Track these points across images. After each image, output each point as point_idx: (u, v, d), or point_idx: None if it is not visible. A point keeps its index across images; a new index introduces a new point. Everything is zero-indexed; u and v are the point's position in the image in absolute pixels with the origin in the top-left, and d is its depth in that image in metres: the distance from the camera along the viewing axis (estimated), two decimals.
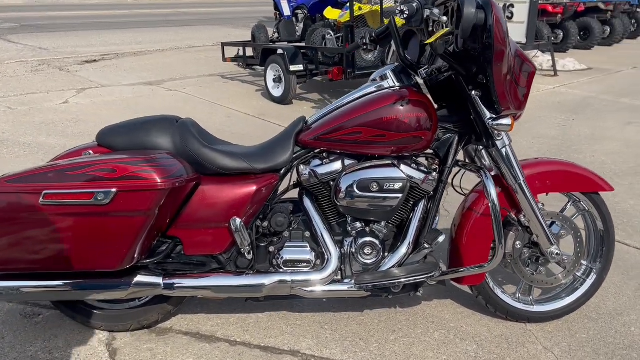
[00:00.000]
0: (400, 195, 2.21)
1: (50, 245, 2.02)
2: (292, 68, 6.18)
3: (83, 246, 2.02)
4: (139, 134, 2.23)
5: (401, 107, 2.16)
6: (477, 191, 2.44)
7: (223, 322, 2.54)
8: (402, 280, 2.21)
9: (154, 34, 13.80)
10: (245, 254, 2.26)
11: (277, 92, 6.60)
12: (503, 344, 2.39)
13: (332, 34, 6.43)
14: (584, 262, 2.54)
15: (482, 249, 2.37)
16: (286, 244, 2.30)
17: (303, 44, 7.10)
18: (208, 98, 6.96)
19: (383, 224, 2.32)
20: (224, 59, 7.93)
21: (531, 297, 2.54)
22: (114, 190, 1.96)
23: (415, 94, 2.20)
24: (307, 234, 2.32)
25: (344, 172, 2.25)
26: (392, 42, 2.62)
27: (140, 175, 1.98)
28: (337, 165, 2.28)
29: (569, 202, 2.53)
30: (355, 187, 2.21)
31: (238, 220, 2.17)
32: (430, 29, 2.11)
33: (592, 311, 2.62)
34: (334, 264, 2.24)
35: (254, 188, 2.22)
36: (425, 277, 2.22)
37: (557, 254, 2.36)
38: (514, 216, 2.37)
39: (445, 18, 1.90)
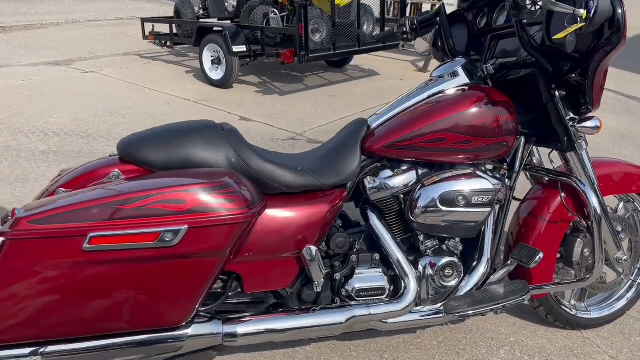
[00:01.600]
0: (489, 209, 1.98)
1: (95, 304, 1.57)
2: (235, 49, 5.69)
3: (140, 301, 1.59)
4: (181, 147, 1.79)
5: (488, 110, 1.93)
6: (536, 197, 2.28)
7: (268, 359, 2.19)
8: (498, 306, 1.99)
9: (39, 5, 12.35)
10: (315, 286, 1.92)
11: (216, 74, 6.07)
12: (571, 357, 2.27)
13: (277, 12, 6.00)
14: (638, 265, 2.48)
15: (550, 260, 2.21)
16: (357, 271, 1.99)
17: (238, 22, 6.58)
18: (135, 81, 6.26)
19: (458, 240, 2.08)
20: (145, 37, 7.20)
21: (585, 304, 2.44)
22: (184, 227, 1.53)
23: (499, 94, 1.98)
24: (377, 256, 2.02)
25: (420, 185, 1.98)
26: (435, 32, 2.38)
27: (214, 206, 1.57)
28: (411, 177, 2.00)
29: (620, 202, 2.44)
30: (438, 201, 1.94)
31: (314, 249, 1.83)
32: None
33: (632, 310, 2.58)
34: (413, 290, 1.97)
35: (325, 208, 1.88)
36: (519, 300, 2.02)
37: (624, 259, 2.27)
38: (583, 222, 2.23)
39: (582, 11, 1.67)
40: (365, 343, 2.30)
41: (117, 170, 1.79)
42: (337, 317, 1.89)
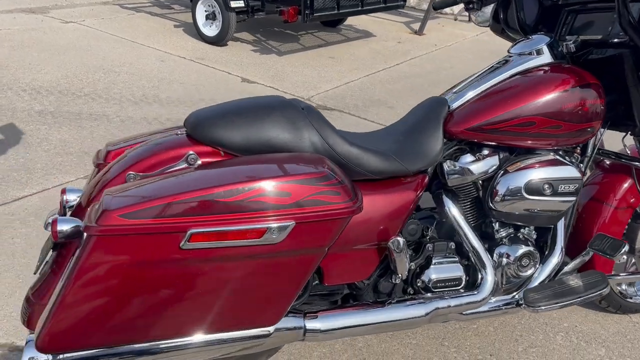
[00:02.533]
0: (574, 198, 1.90)
1: (185, 305, 1.42)
2: (233, 4, 5.39)
3: (235, 301, 1.45)
4: (262, 128, 1.63)
5: (581, 93, 1.84)
6: (598, 182, 2.22)
7: (329, 350, 2.09)
8: (580, 299, 1.93)
9: None
10: (394, 278, 1.82)
11: (210, 31, 5.76)
12: (626, 344, 2.26)
13: None
14: None
15: None
16: (433, 260, 1.89)
17: None
18: (121, 34, 5.88)
19: (532, 227, 2.00)
20: None
21: (635, 288, 2.43)
22: (291, 223, 1.39)
23: (590, 76, 1.88)
24: (452, 244, 1.93)
25: (502, 171, 1.88)
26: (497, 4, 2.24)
27: (321, 199, 1.42)
28: (493, 162, 1.90)
29: None
30: (523, 189, 1.85)
31: (401, 240, 1.72)
32: None
33: None
34: (491, 281, 1.89)
35: (411, 195, 1.77)
36: (599, 293, 1.97)
37: None
38: None
39: None
40: (422, 330, 2.23)
41: (192, 151, 1.62)
42: (419, 310, 1.80)
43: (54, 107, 3.93)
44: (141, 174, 1.60)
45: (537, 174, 1.86)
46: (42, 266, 1.68)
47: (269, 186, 1.39)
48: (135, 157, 1.64)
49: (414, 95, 4.91)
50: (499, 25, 2.27)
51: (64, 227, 1.52)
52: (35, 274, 1.77)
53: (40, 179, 3.05)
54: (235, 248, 1.37)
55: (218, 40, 5.73)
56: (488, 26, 2.37)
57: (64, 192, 1.78)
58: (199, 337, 1.50)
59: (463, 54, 6.31)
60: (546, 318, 2.36)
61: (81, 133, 3.61)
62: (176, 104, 4.24)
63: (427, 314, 1.81)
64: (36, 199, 2.86)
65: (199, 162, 1.60)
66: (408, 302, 1.82)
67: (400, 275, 1.78)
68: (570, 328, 2.32)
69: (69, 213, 1.72)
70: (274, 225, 1.37)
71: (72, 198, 1.78)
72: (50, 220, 1.64)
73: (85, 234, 1.34)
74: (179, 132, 1.73)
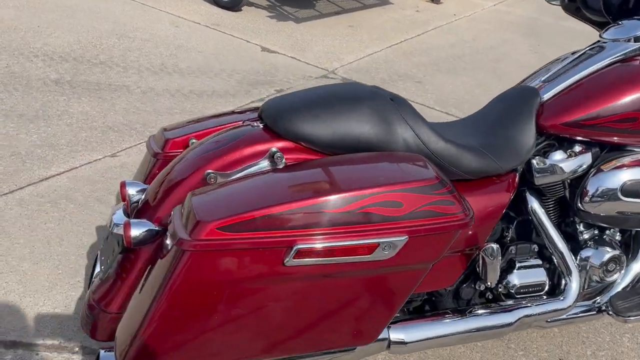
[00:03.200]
0: None
1: (280, 324, 1.30)
2: None
3: (334, 319, 1.32)
4: (350, 123, 1.49)
5: None
6: None
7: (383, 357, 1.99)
8: None
9: None
10: (478, 284, 1.71)
11: None
12: None
13: None
14: None
15: None
16: (517, 264, 1.77)
17: None
18: None
19: (617, 229, 1.89)
20: None
21: None
22: (404, 237, 1.25)
23: None
24: (535, 247, 1.81)
25: (595, 169, 1.75)
26: None
27: (435, 209, 1.29)
28: (585, 159, 1.77)
29: None
30: (618, 190, 1.72)
31: (495, 247, 1.60)
32: None
33: None
34: (576, 286, 1.79)
35: (504, 197, 1.65)
36: None
37: None
38: None
39: None
40: None
41: (275, 148, 1.46)
42: (506, 319, 1.70)
43: (70, 75, 3.71)
44: (221, 172, 1.45)
45: (636, 174, 1.73)
46: (106, 269, 1.53)
47: (380, 195, 1.25)
48: (211, 152, 1.49)
49: (440, 69, 4.73)
50: (574, 4, 2.11)
51: (137, 231, 1.38)
52: (93, 278, 1.64)
53: (66, 156, 2.86)
54: (341, 264, 1.23)
55: (233, 5, 5.46)
56: (559, 4, 2.20)
57: (123, 185, 1.63)
58: (290, 354, 1.37)
59: (483, 25, 6.11)
60: (609, 318, 2.27)
61: (102, 105, 3.40)
62: (197, 75, 4.02)
63: (514, 323, 1.71)
64: (65, 180, 2.68)
65: (284, 161, 1.45)
66: (494, 310, 1.71)
67: (489, 283, 1.67)
68: (635, 329, 2.24)
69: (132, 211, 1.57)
70: (386, 240, 1.23)
71: (133, 192, 1.63)
72: (116, 221, 1.50)
73: (175, 247, 1.19)
74: (255, 124, 1.56)
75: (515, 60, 5.36)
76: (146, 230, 1.40)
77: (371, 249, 1.22)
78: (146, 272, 1.39)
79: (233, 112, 1.94)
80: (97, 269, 1.70)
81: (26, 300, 2.01)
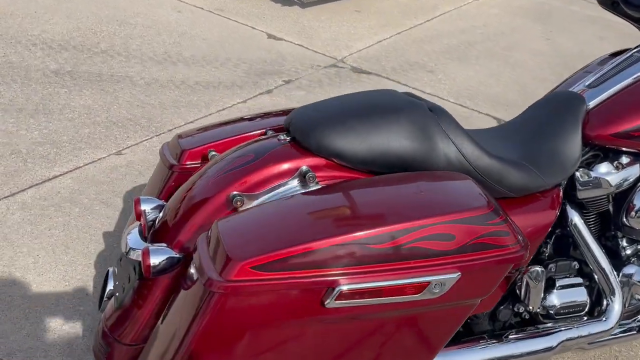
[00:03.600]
0: None
1: None
2: None
3: (375, 358, 1.20)
4: (388, 138, 1.37)
5: None
6: None
7: None
8: None
9: None
10: (517, 307, 1.60)
11: None
12: None
13: None
14: None
15: None
16: (557, 283, 1.66)
17: None
18: None
19: None
20: None
21: None
22: (456, 274, 1.13)
23: None
24: (575, 264, 1.70)
25: None
26: None
27: (489, 241, 1.18)
28: (633, 172, 1.65)
29: None
30: None
31: (540, 270, 1.49)
32: None
33: None
34: (619, 306, 1.68)
35: (549, 215, 1.55)
36: None
37: None
38: None
39: None
40: None
41: (305, 166, 1.34)
42: (547, 342, 1.60)
43: (71, 65, 3.55)
44: (247, 194, 1.33)
45: None
46: (121, 297, 1.42)
47: (430, 228, 1.13)
48: (236, 170, 1.36)
49: (451, 57, 4.58)
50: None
51: (157, 260, 1.27)
52: (105, 297, 1.52)
53: (69, 154, 2.73)
54: (385, 304, 1.12)
55: None
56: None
57: (138, 202, 1.51)
58: None
59: (492, 10, 5.93)
60: None
61: (105, 98, 3.26)
62: (202, 64, 3.87)
63: (555, 347, 1.61)
64: (69, 181, 2.55)
65: (316, 181, 1.33)
66: (533, 334, 1.61)
67: (531, 307, 1.56)
68: None
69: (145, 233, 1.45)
70: (437, 277, 1.12)
71: (148, 209, 1.51)
72: (132, 244, 1.38)
73: (204, 286, 1.07)
74: (282, 138, 1.44)
75: (529, 49, 5.20)
76: (167, 259, 1.28)
77: (420, 287, 1.11)
78: (168, 304, 1.27)
79: (253, 118, 1.81)
80: (110, 287, 1.59)
81: (32, 317, 1.90)
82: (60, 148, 2.77)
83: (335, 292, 1.06)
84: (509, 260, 1.19)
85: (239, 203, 1.29)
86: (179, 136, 1.73)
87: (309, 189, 1.30)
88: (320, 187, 1.29)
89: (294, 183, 1.34)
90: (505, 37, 5.33)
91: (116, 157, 2.77)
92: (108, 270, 1.71)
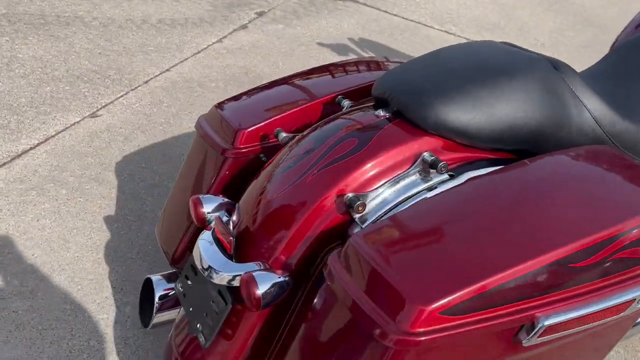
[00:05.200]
0: None
1: None
2: None
3: None
4: (514, 103, 1.13)
5: None
6: None
7: None
8: None
9: None
10: None
11: None
12: None
13: None
14: None
15: None
16: None
17: None
18: None
19: None
20: None
21: None
22: None
23: None
24: None
25: None
26: None
27: None
28: None
29: None
30: None
31: None
32: None
33: None
34: None
35: None
36: None
37: None
38: None
39: None
40: None
41: (428, 152, 1.08)
42: None
43: (4, 6, 2.96)
44: (361, 193, 1.06)
45: None
46: (205, 327, 1.15)
47: (630, 232, 0.92)
48: (339, 163, 1.08)
49: None
50: None
51: (265, 288, 1.00)
52: (151, 324, 1.27)
53: (34, 121, 2.28)
54: (584, 330, 0.92)
55: None
56: None
57: (198, 203, 1.21)
58: None
59: None
60: None
61: (58, 46, 2.75)
62: None
63: None
64: (43, 155, 2.13)
65: (446, 169, 1.08)
66: None
67: None
68: None
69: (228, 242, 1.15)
70: None
71: (212, 210, 1.22)
72: (215, 265, 1.11)
73: (376, 340, 0.82)
74: (380, 113, 1.16)
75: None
76: (275, 286, 1.01)
77: (624, 306, 0.92)
78: (282, 338, 1.02)
79: (299, 77, 1.50)
80: (157, 303, 1.33)
81: (48, 335, 1.57)
82: (21, 114, 2.31)
83: (537, 328, 0.85)
84: None
85: (360, 208, 1.03)
86: (220, 107, 1.40)
87: (448, 184, 1.05)
88: (462, 181, 1.04)
89: (414, 175, 1.08)
90: None
91: (92, 121, 2.35)
92: (149, 279, 1.42)
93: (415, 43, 3.51)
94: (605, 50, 3.69)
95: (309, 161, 1.11)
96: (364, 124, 1.14)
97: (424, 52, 3.51)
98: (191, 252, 1.38)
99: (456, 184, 1.06)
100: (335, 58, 3.12)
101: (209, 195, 1.22)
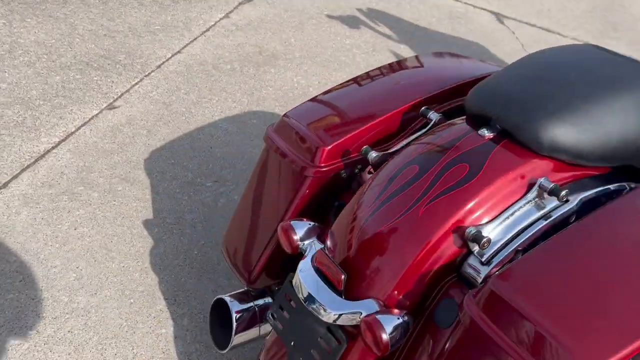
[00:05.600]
0: None
1: None
2: None
3: None
4: (616, 117, 1.10)
5: None
6: None
7: None
8: None
9: None
10: None
11: None
12: None
13: None
14: None
15: None
16: None
17: None
18: None
19: None
20: None
21: None
22: None
23: None
24: None
25: None
26: None
27: None
28: None
29: None
30: None
31: None
32: None
33: None
34: None
35: None
36: None
37: None
38: None
39: None
40: None
41: (545, 178, 1.04)
42: None
43: None
44: (480, 226, 1.02)
45: None
46: None
47: None
48: (452, 193, 1.03)
49: None
50: None
51: (390, 330, 0.97)
52: (229, 347, 1.25)
53: (50, 116, 2.14)
54: None
55: None
56: None
57: (290, 230, 1.15)
58: None
59: None
60: None
61: (59, 28, 2.57)
62: None
63: None
64: (67, 154, 2.01)
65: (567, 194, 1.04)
66: None
67: None
68: None
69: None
70: None
71: (304, 236, 1.16)
72: (330, 307, 1.07)
73: None
74: (485, 134, 1.11)
75: None
76: (399, 328, 0.98)
77: None
78: None
79: (374, 75, 1.43)
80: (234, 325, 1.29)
81: (110, 355, 1.52)
82: (35, 109, 2.16)
83: None
84: None
85: (485, 244, 0.99)
86: (291, 118, 1.32)
87: (562, 210, 1.02)
88: (576, 206, 1.01)
89: (530, 204, 1.05)
90: None
91: (111, 113, 2.22)
92: (223, 301, 1.37)
93: (423, 12, 3.42)
94: (610, 16, 3.67)
95: (417, 190, 1.06)
96: (470, 147, 1.09)
97: (432, 21, 3.44)
98: (268, 274, 1.35)
99: (571, 209, 1.03)
100: (347, 31, 3.02)
101: (298, 221, 1.17)
